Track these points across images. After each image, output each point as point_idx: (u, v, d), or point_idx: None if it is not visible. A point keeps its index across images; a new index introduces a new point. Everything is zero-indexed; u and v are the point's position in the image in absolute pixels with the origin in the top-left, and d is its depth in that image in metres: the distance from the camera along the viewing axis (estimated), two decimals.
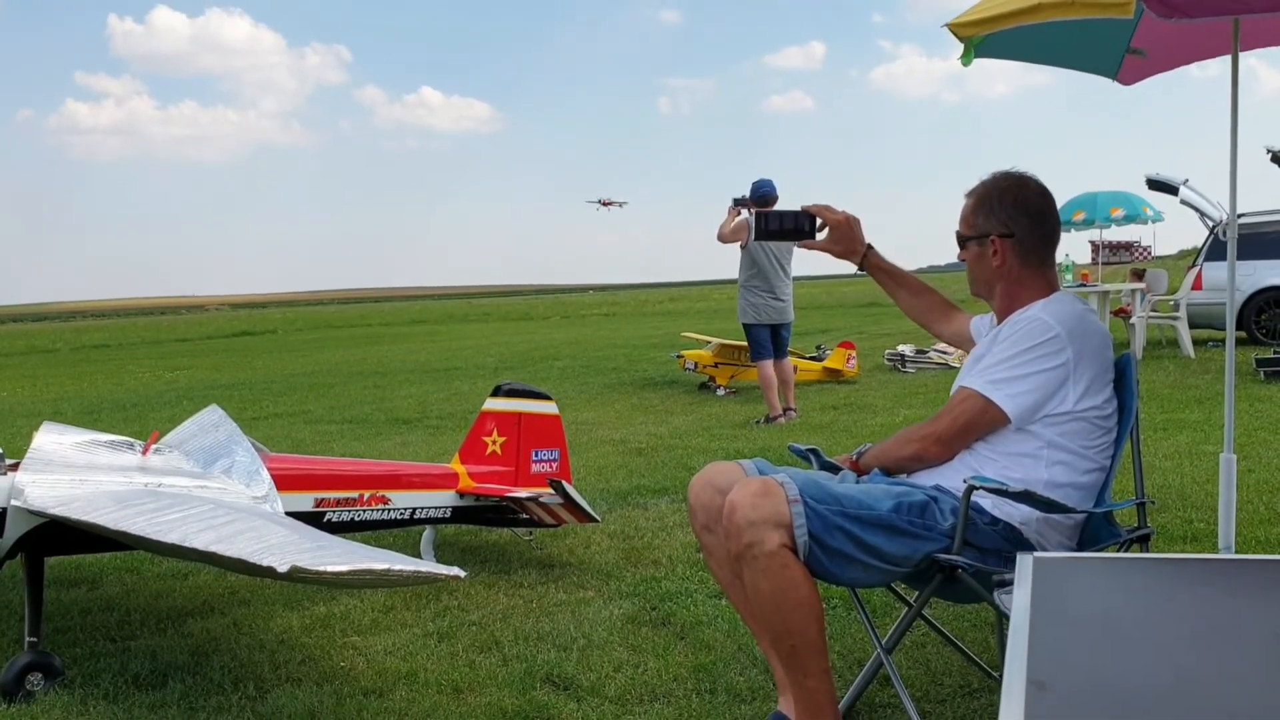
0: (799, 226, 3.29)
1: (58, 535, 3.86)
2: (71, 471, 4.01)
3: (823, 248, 3.34)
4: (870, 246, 3.33)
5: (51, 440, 4.21)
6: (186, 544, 3.17)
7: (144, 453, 4.37)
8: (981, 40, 3.64)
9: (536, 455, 5.26)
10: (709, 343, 13.06)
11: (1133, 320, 14.24)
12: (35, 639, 3.70)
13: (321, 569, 2.77)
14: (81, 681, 3.69)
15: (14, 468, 3.92)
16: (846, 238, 3.31)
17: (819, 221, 3.29)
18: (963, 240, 3.08)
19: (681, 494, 5.92)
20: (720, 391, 12.15)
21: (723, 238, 9.88)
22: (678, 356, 13.05)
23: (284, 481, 4.36)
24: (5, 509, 3.78)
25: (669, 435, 9.12)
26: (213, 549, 3.08)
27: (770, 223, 3.33)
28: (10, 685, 3.56)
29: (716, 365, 12.41)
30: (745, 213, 9.93)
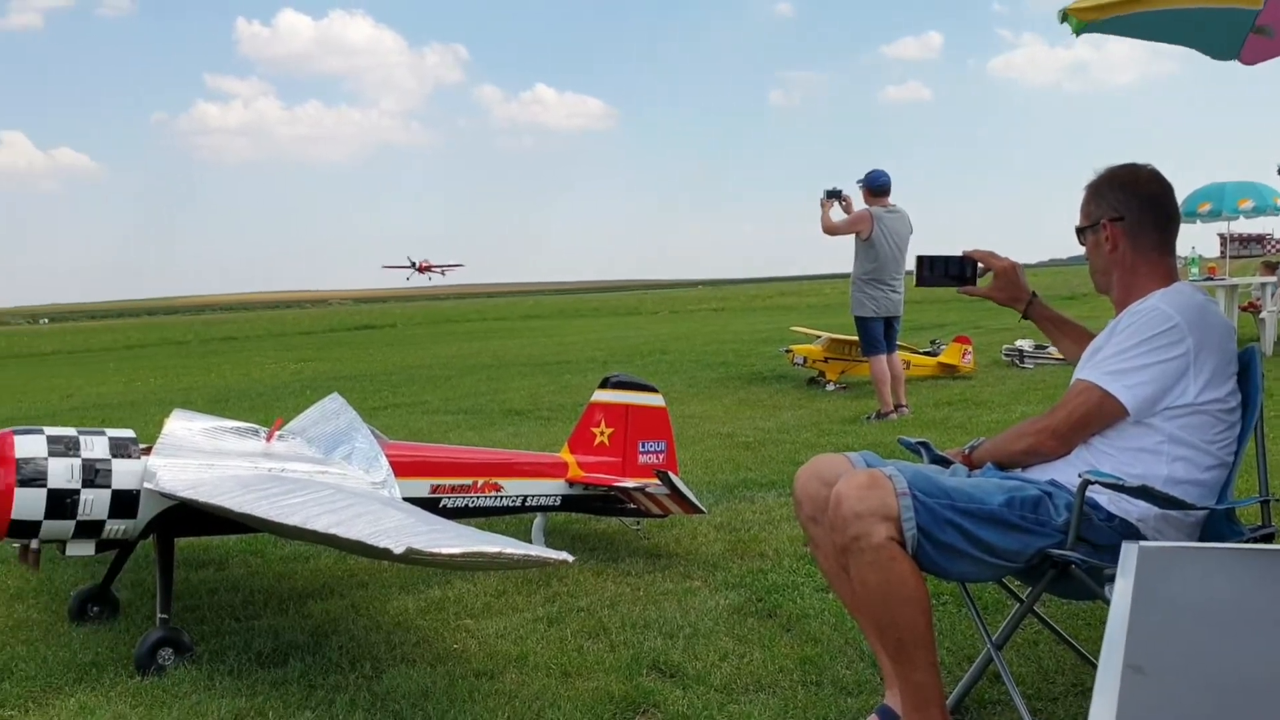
0: (960, 272, 3.23)
1: (187, 517, 4.04)
2: (200, 456, 4.18)
3: (985, 294, 3.27)
4: (1035, 294, 3.24)
5: (181, 426, 4.38)
6: (307, 526, 3.29)
7: (268, 439, 4.52)
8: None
9: (643, 446, 5.30)
10: (819, 337, 12.95)
11: (1262, 315, 13.67)
12: (166, 615, 3.88)
13: (436, 551, 2.85)
14: (209, 658, 3.86)
15: (146, 452, 4.10)
16: (1011, 285, 3.22)
17: (980, 267, 3.24)
18: (1080, 232, 3.03)
19: (789, 488, 5.90)
20: (830, 387, 12.04)
21: (835, 229, 9.73)
22: (786, 351, 12.97)
23: (401, 468, 4.47)
24: (139, 491, 3.96)
25: (776, 430, 9.09)
26: (332, 531, 3.19)
27: (931, 268, 3.27)
28: (143, 659, 3.74)
29: (826, 360, 12.30)
30: (838, 204, 9.79)
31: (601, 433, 5.26)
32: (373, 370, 19.02)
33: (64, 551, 3.97)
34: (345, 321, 53.45)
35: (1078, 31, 3.62)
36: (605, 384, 5.39)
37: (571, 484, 5.08)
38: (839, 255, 10.20)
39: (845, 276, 10.13)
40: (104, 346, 39.30)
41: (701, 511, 4.97)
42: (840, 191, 9.84)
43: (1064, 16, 3.59)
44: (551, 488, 5.04)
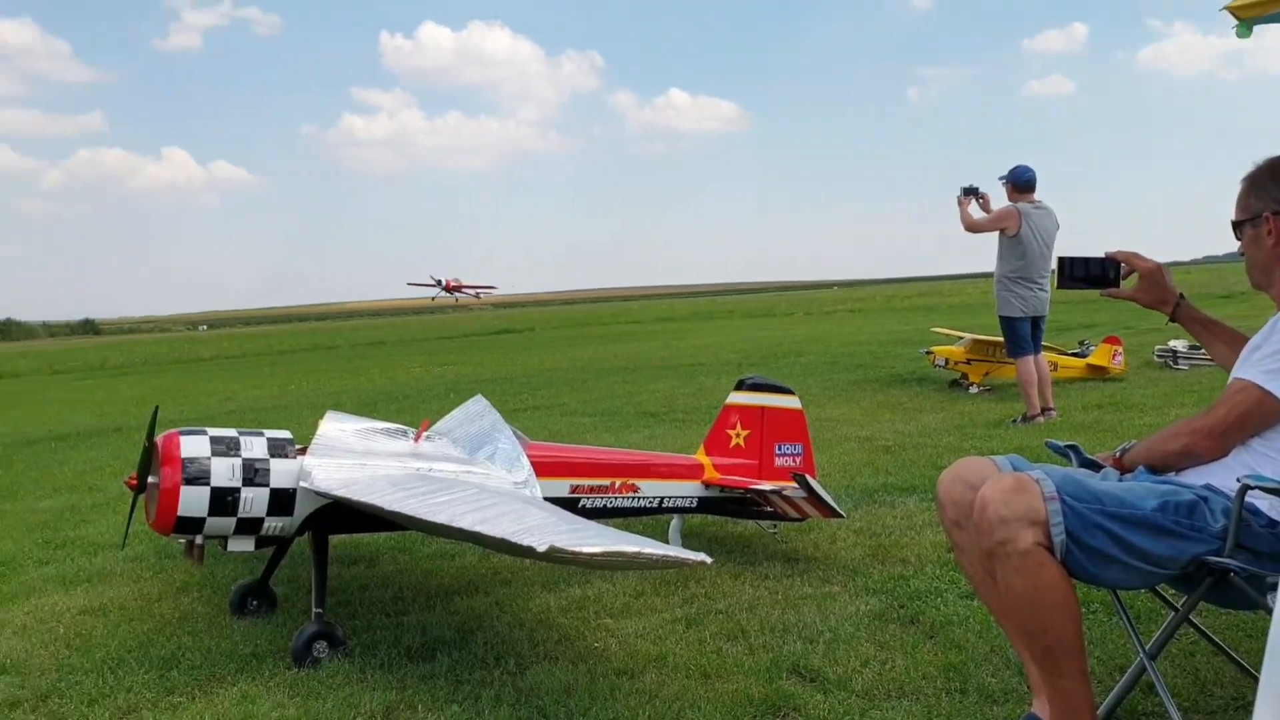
0: (1103, 274, 3.16)
1: (340, 515, 4.20)
2: (352, 456, 4.33)
3: (1129, 296, 3.19)
4: (1182, 296, 3.15)
5: (334, 428, 4.55)
6: (454, 524, 3.38)
7: (415, 440, 4.66)
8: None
9: (780, 449, 5.28)
10: (961, 338, 12.67)
11: None
12: (321, 610, 4.04)
13: (577, 550, 2.90)
14: (360, 651, 4.00)
15: (302, 452, 4.28)
16: (1157, 286, 3.14)
17: (1124, 269, 3.16)
18: (1237, 226, 2.91)
19: (931, 493, 5.80)
20: (973, 389, 11.77)
21: (978, 227, 9.51)
22: (927, 353, 12.73)
23: (542, 468, 4.56)
24: (295, 490, 4.14)
25: (917, 433, 8.93)
26: (477, 529, 3.27)
27: (1072, 270, 3.21)
28: (300, 652, 3.91)
29: (969, 362, 12.03)
30: (975, 201, 9.58)
31: (737, 435, 5.26)
32: (512, 373, 19.39)
33: (225, 547, 4.17)
34: (486, 326, 54.61)
35: (1245, 34, 3.49)
36: (741, 386, 5.40)
37: (708, 486, 5.10)
38: (981, 254, 9.98)
39: (987, 276, 9.87)
40: (258, 352, 41.02)
41: (840, 516, 4.93)
42: (977, 189, 9.63)
43: (1242, 26, 3.46)
44: (688, 489, 5.07)
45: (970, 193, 9.63)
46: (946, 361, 12.21)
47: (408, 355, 29.98)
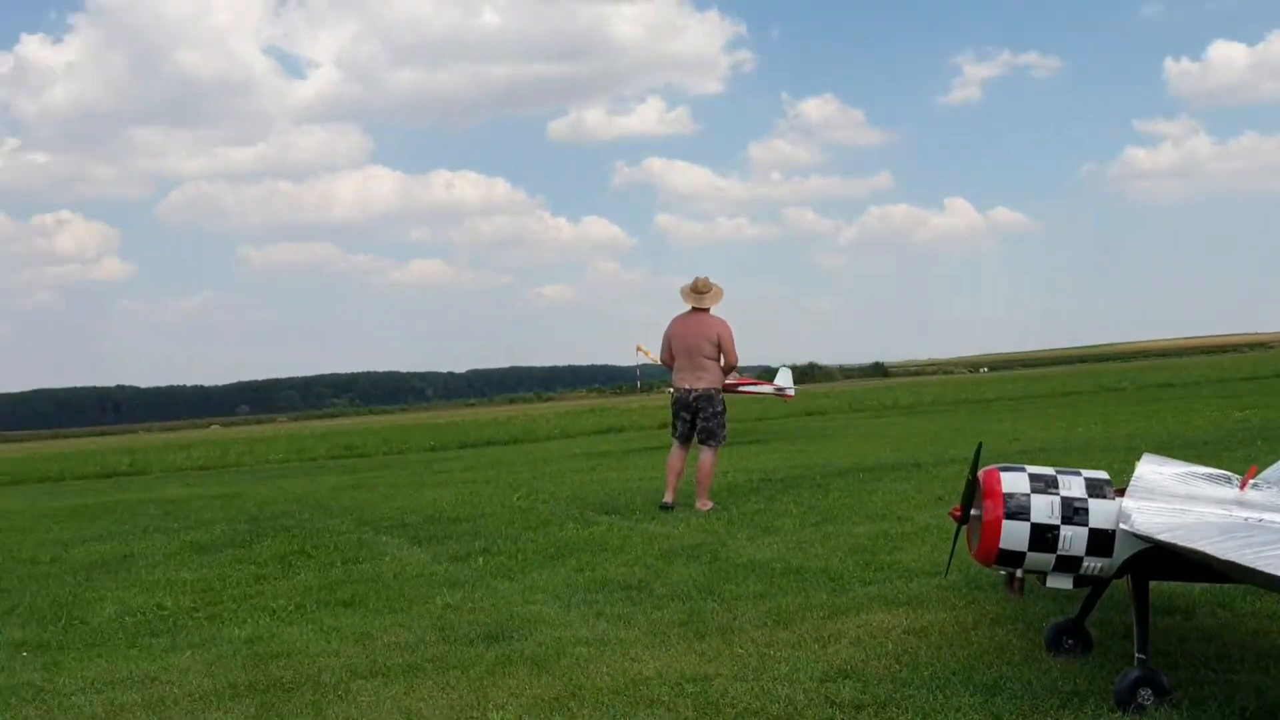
0: None
1: (1161, 560, 4.07)
2: (1173, 501, 4.18)
3: None
4: None
5: (1152, 470, 4.43)
6: None
7: (1241, 487, 4.36)
8: None
9: None
10: None
11: None
12: (1144, 656, 3.95)
13: None
14: (1189, 705, 3.83)
15: (1119, 493, 4.23)
16: None
17: None
18: None
19: None
20: None
21: None
22: None
23: None
24: (1114, 531, 4.10)
25: None
26: None
27: None
28: (1124, 695, 3.87)
29: None
30: None
31: None
32: None
33: (1044, 583, 4.26)
34: None
35: None
36: None
37: None
38: None
39: None
40: (1041, 393, 40.81)
41: None
42: None
43: None
44: None
45: None
46: None
47: (1200, 398, 27.75)
